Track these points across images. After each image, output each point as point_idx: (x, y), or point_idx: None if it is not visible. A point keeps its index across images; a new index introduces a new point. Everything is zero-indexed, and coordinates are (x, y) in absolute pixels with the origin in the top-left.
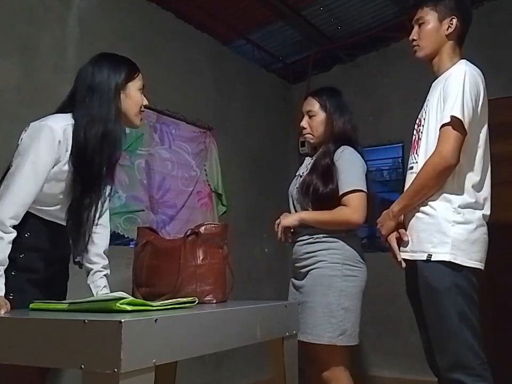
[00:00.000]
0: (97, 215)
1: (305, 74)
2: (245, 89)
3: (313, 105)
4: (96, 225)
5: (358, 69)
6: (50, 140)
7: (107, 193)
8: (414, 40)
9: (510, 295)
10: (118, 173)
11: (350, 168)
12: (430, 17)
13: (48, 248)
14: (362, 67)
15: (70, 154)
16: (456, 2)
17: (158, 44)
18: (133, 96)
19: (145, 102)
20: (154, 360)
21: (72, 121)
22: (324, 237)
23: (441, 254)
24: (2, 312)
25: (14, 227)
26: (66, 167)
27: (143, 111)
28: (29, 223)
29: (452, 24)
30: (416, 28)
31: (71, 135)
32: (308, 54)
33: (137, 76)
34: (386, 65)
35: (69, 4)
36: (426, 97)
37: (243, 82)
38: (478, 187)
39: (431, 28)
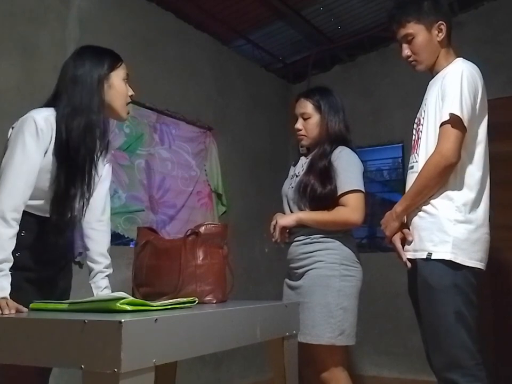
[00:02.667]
0: (84, 207)
1: (305, 74)
2: (245, 89)
3: (307, 107)
4: (84, 216)
5: (358, 69)
6: (33, 129)
7: (94, 185)
8: (408, 56)
9: (510, 295)
10: (118, 173)
11: (349, 168)
12: (417, 30)
13: (44, 246)
14: (362, 67)
15: (54, 145)
16: (435, 7)
17: (158, 44)
18: (117, 86)
19: (131, 92)
20: (154, 360)
21: (55, 113)
22: (320, 237)
23: (442, 252)
24: (6, 312)
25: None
26: (50, 158)
27: (129, 102)
28: (23, 222)
29: (441, 29)
30: (405, 44)
31: (55, 126)
32: (308, 54)
33: (120, 65)
34: (386, 65)
35: (69, 4)
36: (423, 96)
37: (243, 82)
38: (480, 183)
39: (423, 40)
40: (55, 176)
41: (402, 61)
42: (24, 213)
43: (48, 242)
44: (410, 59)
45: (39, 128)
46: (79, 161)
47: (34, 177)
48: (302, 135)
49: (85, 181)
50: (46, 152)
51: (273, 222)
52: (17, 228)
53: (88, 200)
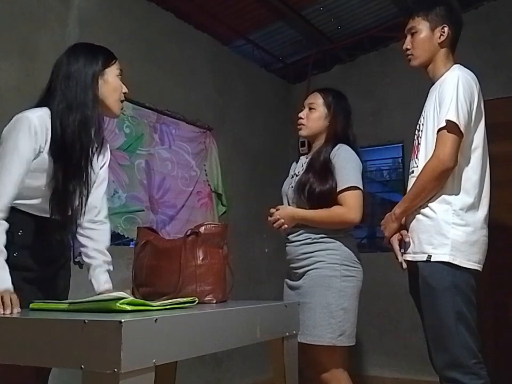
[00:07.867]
0: (83, 203)
1: (305, 74)
2: (245, 89)
3: (317, 99)
4: (84, 213)
5: (358, 69)
6: (26, 128)
7: (91, 182)
8: (407, 49)
9: (510, 295)
10: (118, 173)
11: (346, 165)
12: (422, 26)
13: (41, 245)
14: (362, 67)
15: (50, 143)
16: (447, 11)
17: (158, 44)
18: (111, 82)
19: (125, 90)
20: (154, 360)
21: (49, 111)
22: (321, 237)
23: (441, 254)
24: (8, 312)
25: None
26: (46, 157)
27: (123, 100)
28: (20, 221)
29: (443, 32)
30: (408, 37)
31: (49, 125)
32: (308, 54)
33: (114, 63)
34: (386, 65)
35: (69, 4)
36: (424, 102)
37: (243, 82)
38: (477, 187)
39: (424, 37)
40: (52, 174)
41: (403, 61)
42: (21, 212)
43: (46, 242)
44: (408, 52)
45: (32, 126)
46: (75, 157)
47: (24, 177)
48: (302, 124)
49: (82, 177)
50: (41, 152)
51: (273, 210)
52: (6, 224)
53: (86, 196)
